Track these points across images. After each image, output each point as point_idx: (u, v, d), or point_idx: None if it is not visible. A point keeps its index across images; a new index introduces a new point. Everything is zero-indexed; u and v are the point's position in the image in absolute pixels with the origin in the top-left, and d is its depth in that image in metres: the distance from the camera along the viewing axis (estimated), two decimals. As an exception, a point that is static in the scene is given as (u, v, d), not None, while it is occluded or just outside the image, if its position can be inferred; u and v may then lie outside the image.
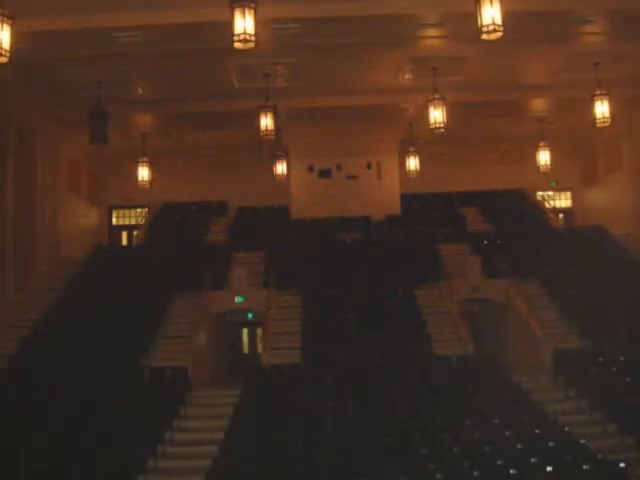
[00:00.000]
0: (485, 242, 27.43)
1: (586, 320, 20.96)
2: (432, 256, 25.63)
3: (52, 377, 17.52)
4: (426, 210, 30.72)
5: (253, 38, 14.98)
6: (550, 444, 13.19)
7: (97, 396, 16.31)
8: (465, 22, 16.57)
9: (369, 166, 30.17)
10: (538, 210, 31.78)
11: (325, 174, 30.10)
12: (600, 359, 18.60)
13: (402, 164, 29.23)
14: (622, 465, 12.32)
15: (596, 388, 17.00)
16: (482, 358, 19.74)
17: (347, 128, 27.74)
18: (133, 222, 33.75)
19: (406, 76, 23.33)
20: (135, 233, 32.28)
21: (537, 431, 13.99)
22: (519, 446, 13.08)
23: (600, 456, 12.76)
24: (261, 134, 21.72)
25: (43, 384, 16.91)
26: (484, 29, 14.66)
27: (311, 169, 30.11)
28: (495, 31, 14.68)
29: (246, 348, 27.83)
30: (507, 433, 13.81)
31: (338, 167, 30.02)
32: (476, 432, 13.95)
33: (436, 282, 23.82)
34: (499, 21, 14.53)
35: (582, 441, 13.65)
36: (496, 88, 24.33)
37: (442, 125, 21.64)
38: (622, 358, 18.49)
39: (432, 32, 19.99)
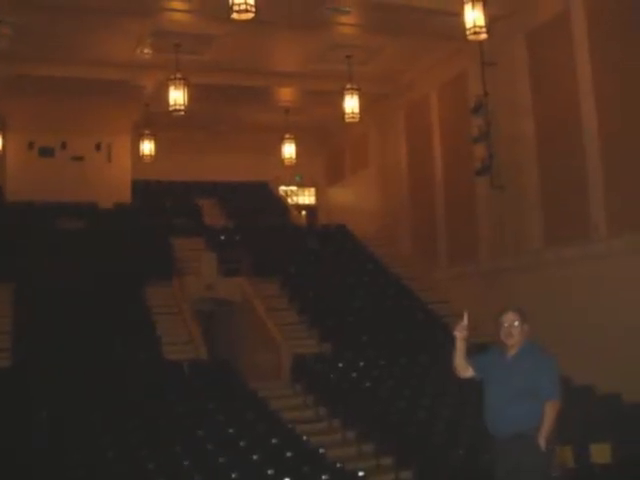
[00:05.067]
0: (222, 237, 27.62)
1: (327, 324, 21.88)
2: (165, 250, 25.44)
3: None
4: (161, 199, 30.52)
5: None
6: (288, 454, 13.69)
7: None
8: (215, -2, 16.81)
9: (98, 147, 29.31)
10: (280, 205, 32.65)
11: (47, 152, 28.77)
12: (340, 364, 19.56)
13: (136, 148, 28.89)
14: (361, 474, 13.11)
15: (336, 395, 17.85)
16: (217, 363, 20.00)
17: (76, 103, 26.60)
18: None
19: (145, 50, 22.99)
20: None
21: (274, 441, 14.45)
22: (255, 457, 13.41)
23: (339, 465, 13.44)
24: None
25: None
26: (235, 7, 15.00)
27: (31, 146, 28.74)
28: (247, 11, 15.09)
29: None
30: (242, 443, 14.13)
31: (63, 146, 28.87)
32: (209, 443, 14.10)
33: (168, 279, 23.73)
34: (252, 1, 14.91)
35: (321, 450, 14.29)
36: (243, 72, 24.63)
37: (182, 107, 21.73)
38: (362, 363, 19.57)
39: (178, 4, 19.99)
